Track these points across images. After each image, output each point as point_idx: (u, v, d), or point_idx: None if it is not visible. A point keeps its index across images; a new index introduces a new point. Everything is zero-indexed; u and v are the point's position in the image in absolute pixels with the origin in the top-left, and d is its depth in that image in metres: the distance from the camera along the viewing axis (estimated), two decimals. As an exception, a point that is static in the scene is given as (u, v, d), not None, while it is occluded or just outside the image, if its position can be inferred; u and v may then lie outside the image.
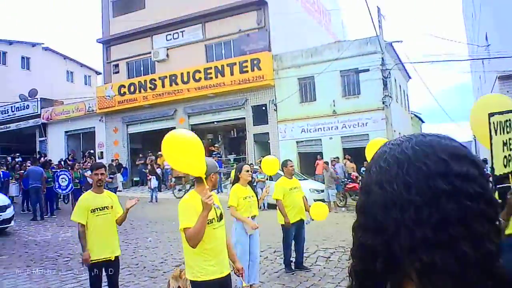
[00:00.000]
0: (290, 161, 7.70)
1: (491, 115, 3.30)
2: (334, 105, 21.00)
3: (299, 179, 15.90)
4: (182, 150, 3.24)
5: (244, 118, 23.18)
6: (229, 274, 3.62)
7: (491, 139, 3.23)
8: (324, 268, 7.30)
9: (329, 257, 8.10)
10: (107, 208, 4.95)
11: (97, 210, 4.89)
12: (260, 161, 10.80)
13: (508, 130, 3.29)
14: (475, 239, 0.66)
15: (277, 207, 7.26)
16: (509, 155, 3.29)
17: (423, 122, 39.49)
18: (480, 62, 22.86)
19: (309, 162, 20.98)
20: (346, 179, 17.86)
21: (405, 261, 0.70)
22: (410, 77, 29.80)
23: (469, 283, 0.66)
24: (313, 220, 7.44)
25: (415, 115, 34.30)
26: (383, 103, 19.95)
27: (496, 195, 2.46)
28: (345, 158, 19.61)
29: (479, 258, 0.66)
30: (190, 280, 3.46)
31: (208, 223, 3.30)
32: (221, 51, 24.52)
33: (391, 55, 22.36)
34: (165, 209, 14.37)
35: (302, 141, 21.92)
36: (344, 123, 20.85)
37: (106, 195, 5.10)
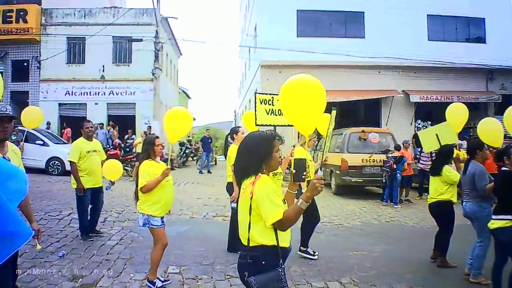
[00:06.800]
0: (88, 121, 6.92)
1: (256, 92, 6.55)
2: (103, 71, 20.92)
3: (57, 143, 15.60)
4: None
5: (1, 72, 20.81)
6: None
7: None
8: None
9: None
10: None
11: None
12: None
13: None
14: None
15: (71, 170, 6.49)
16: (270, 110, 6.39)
17: (189, 98, 42.01)
18: (247, 49, 25.61)
19: (73, 127, 20.24)
20: (109, 146, 18.10)
21: None
22: (181, 54, 31.43)
23: None
24: (113, 184, 6.92)
25: (183, 90, 36.38)
26: (153, 74, 20.80)
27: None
28: (109, 125, 19.81)
29: None
30: None
31: None
32: (-19, -3, 21.43)
33: (166, 30, 23.29)
34: None
35: (65, 104, 21.24)
36: (112, 89, 21.04)
37: None
